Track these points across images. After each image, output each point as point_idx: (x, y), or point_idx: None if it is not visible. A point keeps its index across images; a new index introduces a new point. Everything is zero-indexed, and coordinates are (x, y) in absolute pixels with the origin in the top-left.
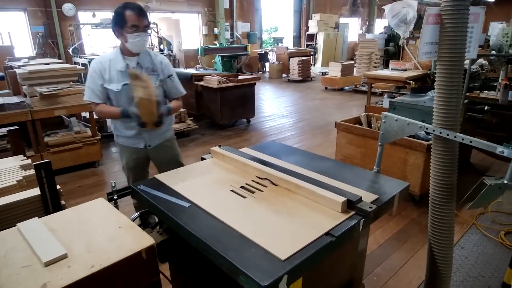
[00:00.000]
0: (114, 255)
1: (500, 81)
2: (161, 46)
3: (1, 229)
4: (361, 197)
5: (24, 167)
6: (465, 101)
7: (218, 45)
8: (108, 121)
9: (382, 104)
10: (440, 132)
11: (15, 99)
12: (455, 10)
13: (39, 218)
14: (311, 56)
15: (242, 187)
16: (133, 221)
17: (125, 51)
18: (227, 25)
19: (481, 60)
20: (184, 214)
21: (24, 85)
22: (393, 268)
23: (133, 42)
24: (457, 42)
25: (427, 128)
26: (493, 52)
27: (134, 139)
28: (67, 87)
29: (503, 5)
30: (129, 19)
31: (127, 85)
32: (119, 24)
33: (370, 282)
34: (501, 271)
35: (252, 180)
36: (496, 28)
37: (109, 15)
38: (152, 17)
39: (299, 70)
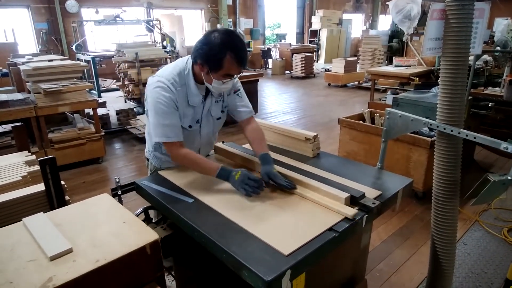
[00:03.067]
0: (119, 250)
1: (504, 77)
2: (164, 43)
3: (7, 224)
4: (364, 193)
5: (28, 163)
6: (469, 97)
7: None
8: (113, 117)
9: (385, 100)
10: (444, 128)
11: (19, 96)
12: (460, 5)
13: (44, 213)
14: (314, 53)
15: None
16: (137, 216)
17: (197, 79)
18: (230, 22)
19: (486, 56)
20: (188, 210)
21: (28, 82)
22: (396, 264)
23: (217, 88)
24: (462, 38)
25: (431, 124)
26: (498, 48)
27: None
28: (71, 84)
29: (508, 1)
30: (228, 68)
31: (198, 122)
32: (210, 65)
33: (373, 278)
34: (504, 267)
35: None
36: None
37: (111, 11)
38: (155, 13)
39: (302, 66)
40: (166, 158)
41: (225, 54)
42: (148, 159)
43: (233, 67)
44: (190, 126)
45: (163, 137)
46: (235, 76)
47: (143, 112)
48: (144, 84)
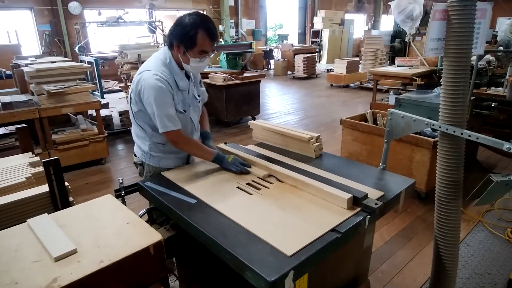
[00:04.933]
0: (123, 251)
1: (507, 77)
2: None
3: (12, 225)
4: (367, 194)
5: (32, 165)
6: (472, 97)
7: (223, 42)
8: (116, 118)
9: (388, 101)
10: (447, 129)
11: (22, 97)
12: (462, 6)
13: (48, 214)
14: (316, 53)
15: (248, 184)
16: (141, 217)
17: (179, 65)
18: (232, 23)
19: (488, 56)
20: (191, 211)
21: (32, 83)
22: (399, 265)
23: (195, 67)
24: (464, 38)
25: (433, 125)
26: (501, 48)
27: (180, 159)
28: (74, 85)
29: (510, 1)
30: (201, 44)
31: (190, 106)
32: (185, 44)
33: (376, 278)
34: (508, 268)
35: (258, 177)
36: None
37: (114, 13)
38: (157, 14)
39: (304, 67)
40: (165, 155)
41: (197, 30)
42: (141, 164)
43: (206, 42)
44: (184, 111)
45: (172, 126)
46: (210, 53)
47: None
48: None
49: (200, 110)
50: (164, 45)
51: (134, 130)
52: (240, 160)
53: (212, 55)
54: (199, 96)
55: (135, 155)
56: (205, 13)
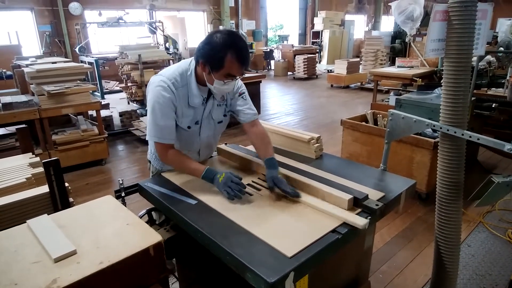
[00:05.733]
0: (123, 252)
1: (508, 78)
2: (167, 45)
3: (12, 226)
4: (367, 195)
5: (32, 165)
6: (473, 98)
7: None
8: (116, 119)
9: (388, 101)
10: (448, 130)
11: (23, 98)
12: (463, 6)
13: (48, 215)
14: (317, 54)
15: (248, 184)
16: (141, 218)
17: (199, 81)
18: (232, 23)
19: (489, 57)
20: (191, 211)
21: (32, 84)
22: (399, 266)
23: (218, 88)
24: (465, 39)
25: (434, 126)
26: (501, 48)
27: None
28: (74, 86)
29: (511, 2)
30: (229, 67)
31: (198, 124)
32: (211, 64)
33: (376, 280)
34: (509, 269)
35: (259, 178)
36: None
37: (114, 13)
38: (158, 15)
39: (304, 67)
40: None
41: (227, 53)
42: (150, 161)
43: (234, 66)
44: (189, 127)
45: (155, 137)
46: (237, 77)
47: (146, 114)
48: (147, 85)
49: (217, 129)
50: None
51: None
52: (233, 177)
53: (241, 81)
54: (224, 116)
55: (148, 152)
56: (205, 14)
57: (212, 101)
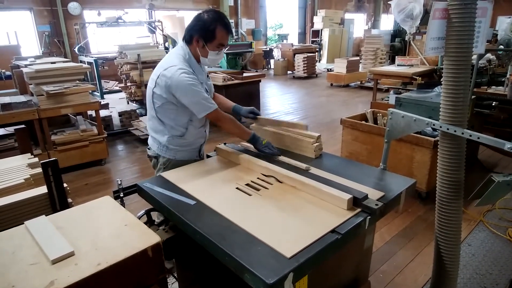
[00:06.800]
0: (121, 253)
1: (508, 76)
2: (166, 44)
3: (9, 227)
4: (367, 194)
5: (31, 166)
6: (473, 96)
7: None
8: (115, 119)
9: (388, 100)
10: (448, 128)
11: (22, 98)
12: (463, 4)
13: (46, 216)
14: (316, 53)
15: (247, 184)
16: (139, 218)
17: (196, 59)
18: (232, 22)
19: (489, 55)
20: (190, 212)
21: (31, 84)
22: (400, 265)
23: (212, 59)
24: (465, 37)
25: (434, 125)
26: (501, 46)
27: (194, 151)
28: (74, 86)
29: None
30: (220, 37)
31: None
32: (205, 37)
33: (376, 279)
34: (509, 268)
35: (258, 178)
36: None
37: (113, 13)
38: (157, 15)
39: (304, 66)
40: (182, 148)
41: (217, 25)
42: (156, 157)
43: (224, 36)
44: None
45: (209, 109)
46: (226, 46)
47: (145, 114)
48: (146, 85)
49: None
50: (182, 41)
51: (153, 124)
52: (272, 145)
53: (227, 48)
54: (209, 89)
55: (149, 149)
56: None
57: (204, 75)
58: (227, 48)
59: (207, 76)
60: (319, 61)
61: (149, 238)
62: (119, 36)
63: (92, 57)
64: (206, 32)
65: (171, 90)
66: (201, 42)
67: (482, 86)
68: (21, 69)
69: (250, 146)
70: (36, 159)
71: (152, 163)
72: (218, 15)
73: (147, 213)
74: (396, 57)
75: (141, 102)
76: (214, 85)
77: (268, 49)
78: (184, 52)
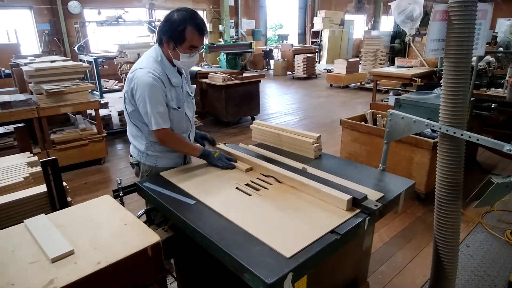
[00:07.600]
0: (120, 252)
1: (507, 78)
2: None
3: (9, 226)
4: (366, 195)
5: (30, 164)
6: (472, 98)
7: (223, 42)
8: (115, 118)
9: (387, 101)
10: (447, 130)
11: (21, 97)
12: (463, 6)
13: (46, 214)
14: (316, 53)
15: (247, 184)
16: (139, 218)
17: (169, 61)
18: (232, 22)
19: (488, 57)
20: (190, 212)
21: (31, 83)
22: (398, 266)
23: (185, 62)
24: (465, 39)
25: (433, 126)
26: (501, 49)
27: (178, 158)
28: (73, 85)
29: (510, 2)
30: (190, 39)
31: (184, 102)
32: (175, 39)
33: (375, 280)
34: (507, 269)
35: (257, 178)
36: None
37: (113, 12)
38: (157, 14)
39: (304, 67)
40: (162, 154)
41: (186, 26)
42: (137, 164)
43: (195, 37)
44: (178, 107)
45: (159, 125)
46: (199, 48)
47: None
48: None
49: (195, 108)
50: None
51: (130, 130)
52: (226, 155)
53: (202, 51)
54: (192, 93)
55: (131, 156)
56: (205, 13)
57: (184, 79)
58: (201, 50)
59: (186, 79)
60: (319, 62)
61: (149, 237)
62: (119, 35)
63: (91, 56)
64: (175, 34)
65: (134, 94)
66: (171, 44)
67: (482, 88)
68: (21, 67)
69: (250, 146)
70: (36, 158)
71: (135, 170)
72: (189, 14)
73: (147, 212)
74: (395, 58)
75: None
76: (214, 85)
77: (268, 49)
78: (156, 53)
